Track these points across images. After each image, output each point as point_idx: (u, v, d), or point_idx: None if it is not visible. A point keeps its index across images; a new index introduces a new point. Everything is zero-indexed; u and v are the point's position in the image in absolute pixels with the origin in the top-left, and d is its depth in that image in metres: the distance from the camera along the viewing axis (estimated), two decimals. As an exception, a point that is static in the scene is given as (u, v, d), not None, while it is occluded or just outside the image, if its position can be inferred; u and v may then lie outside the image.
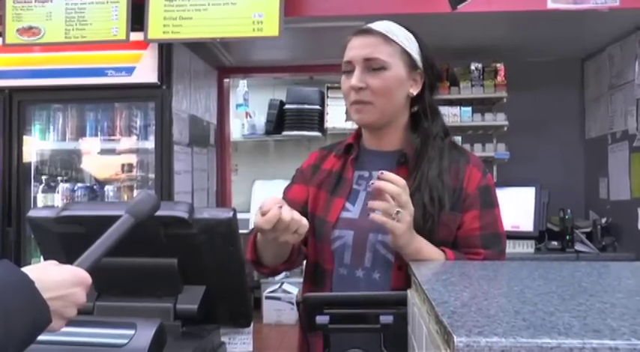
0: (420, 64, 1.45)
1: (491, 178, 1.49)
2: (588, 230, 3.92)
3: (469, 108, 4.21)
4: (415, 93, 1.46)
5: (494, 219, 1.43)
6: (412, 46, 1.44)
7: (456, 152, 1.47)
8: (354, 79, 1.41)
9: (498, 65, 4.23)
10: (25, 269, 0.85)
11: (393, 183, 1.26)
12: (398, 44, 1.42)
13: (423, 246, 1.33)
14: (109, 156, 3.80)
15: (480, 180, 1.43)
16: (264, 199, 1.24)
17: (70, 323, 0.90)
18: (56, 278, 0.87)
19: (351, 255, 1.41)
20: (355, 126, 1.55)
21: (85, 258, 0.95)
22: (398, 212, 1.25)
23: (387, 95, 1.41)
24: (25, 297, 0.81)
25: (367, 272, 1.40)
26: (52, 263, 0.92)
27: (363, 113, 1.43)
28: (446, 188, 1.39)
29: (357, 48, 1.43)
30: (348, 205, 1.45)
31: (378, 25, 1.44)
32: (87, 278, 0.91)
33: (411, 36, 1.45)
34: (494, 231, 1.42)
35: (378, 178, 1.27)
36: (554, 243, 3.83)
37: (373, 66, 1.41)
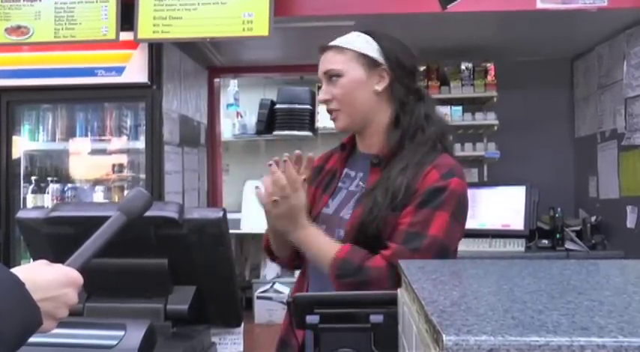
0: (382, 60, 1.49)
1: (456, 182, 1.41)
2: (578, 228, 3.95)
3: (459, 108, 4.22)
4: (381, 88, 1.49)
5: (427, 219, 1.37)
6: (369, 47, 1.50)
7: (430, 150, 1.46)
8: (320, 94, 1.54)
9: (488, 65, 4.25)
10: (15, 270, 0.83)
11: (286, 176, 1.39)
12: (351, 50, 1.50)
13: (310, 239, 1.42)
14: (100, 157, 3.79)
15: (436, 181, 1.40)
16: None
17: (60, 324, 0.88)
18: (47, 279, 0.85)
19: None
20: None
21: (76, 258, 0.93)
22: (276, 200, 1.39)
23: (348, 99, 1.50)
24: (14, 299, 0.79)
25: None
26: (43, 262, 0.89)
27: (336, 120, 1.54)
28: (397, 187, 1.40)
29: (320, 65, 1.55)
30: (329, 201, 1.54)
31: (336, 40, 1.55)
32: (78, 278, 0.90)
33: (369, 38, 1.52)
34: (420, 230, 1.36)
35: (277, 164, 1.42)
36: (545, 241, 3.85)
37: (331, 76, 1.51)
